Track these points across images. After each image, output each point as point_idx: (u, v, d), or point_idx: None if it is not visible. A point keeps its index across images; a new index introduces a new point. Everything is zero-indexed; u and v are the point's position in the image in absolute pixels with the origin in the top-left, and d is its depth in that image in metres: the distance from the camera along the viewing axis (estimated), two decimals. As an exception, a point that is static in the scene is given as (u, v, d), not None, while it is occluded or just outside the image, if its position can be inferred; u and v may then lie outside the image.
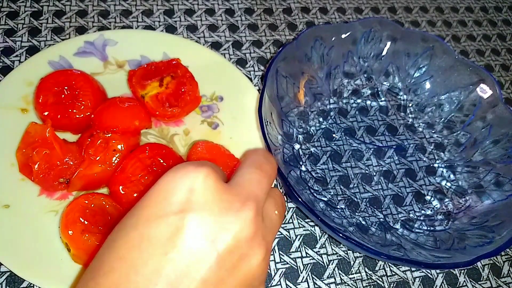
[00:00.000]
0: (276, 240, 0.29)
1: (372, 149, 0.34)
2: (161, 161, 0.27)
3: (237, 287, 0.15)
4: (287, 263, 0.28)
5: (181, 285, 0.13)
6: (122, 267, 0.14)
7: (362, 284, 0.28)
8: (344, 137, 0.34)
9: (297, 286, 0.27)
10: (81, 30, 0.36)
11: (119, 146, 0.27)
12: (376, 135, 0.35)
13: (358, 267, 0.28)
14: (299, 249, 0.28)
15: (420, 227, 0.30)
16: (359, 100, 0.36)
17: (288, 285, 0.27)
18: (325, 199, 0.30)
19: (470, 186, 0.32)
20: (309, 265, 0.28)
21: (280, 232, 0.29)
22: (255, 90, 0.33)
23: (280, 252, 0.28)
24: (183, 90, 0.30)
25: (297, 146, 0.32)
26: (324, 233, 0.30)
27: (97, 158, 0.26)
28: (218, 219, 0.15)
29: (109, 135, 0.27)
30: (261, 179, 0.18)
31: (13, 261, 0.23)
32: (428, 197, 0.32)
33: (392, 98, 0.37)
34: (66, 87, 0.28)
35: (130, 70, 0.31)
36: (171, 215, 0.14)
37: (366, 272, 0.28)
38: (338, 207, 0.30)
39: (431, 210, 0.31)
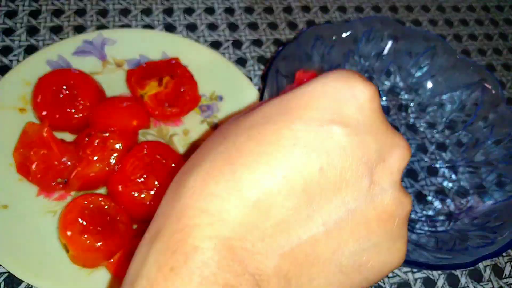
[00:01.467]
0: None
1: (373, 149, 0.34)
2: (160, 158, 0.26)
3: (378, 231, 0.13)
4: (287, 264, 0.28)
5: (321, 203, 0.12)
6: (268, 166, 0.12)
7: (363, 285, 0.28)
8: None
9: (297, 287, 0.27)
10: (79, 29, 0.36)
11: (117, 146, 0.26)
12: (377, 135, 0.35)
13: (359, 268, 0.28)
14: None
15: (422, 228, 0.30)
16: (360, 100, 0.36)
17: (288, 286, 0.27)
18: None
19: (472, 187, 0.32)
20: (310, 266, 0.28)
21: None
22: (255, 89, 0.33)
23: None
24: (182, 89, 0.30)
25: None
26: (325, 234, 0.29)
27: (95, 158, 0.26)
28: (380, 148, 0.13)
29: (107, 134, 0.27)
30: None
31: (11, 262, 0.23)
32: (429, 198, 0.32)
33: (393, 97, 0.37)
34: (64, 87, 0.28)
35: (129, 70, 0.31)
36: (335, 126, 0.12)
37: (367, 273, 0.28)
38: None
39: (432, 211, 0.31)
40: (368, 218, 0.13)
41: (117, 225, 0.24)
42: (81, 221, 0.24)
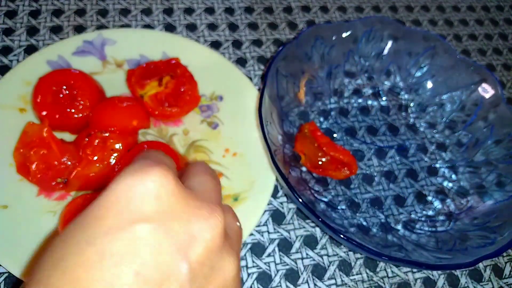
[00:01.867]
0: (277, 241, 0.28)
1: (373, 149, 0.34)
2: None
3: None
4: (288, 264, 0.28)
5: None
6: None
7: (363, 286, 0.28)
8: (345, 137, 0.34)
9: (298, 287, 0.27)
10: (79, 29, 0.36)
11: (117, 146, 0.26)
12: (377, 135, 0.35)
13: (359, 268, 0.28)
14: (299, 250, 0.28)
15: (422, 228, 0.30)
16: (360, 100, 0.36)
17: (289, 287, 0.27)
18: (326, 199, 0.30)
19: (471, 187, 0.32)
20: (310, 266, 0.28)
21: (280, 232, 0.29)
22: (255, 89, 0.33)
23: (281, 253, 0.28)
24: (182, 89, 0.30)
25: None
26: (325, 234, 0.29)
27: (95, 158, 0.26)
28: (188, 229, 0.13)
29: (107, 134, 0.27)
30: (215, 186, 0.17)
31: (12, 262, 0.23)
32: (429, 198, 0.32)
33: (393, 97, 0.37)
34: (64, 87, 0.28)
35: (129, 70, 0.31)
36: (134, 225, 0.12)
37: (367, 273, 0.28)
38: (339, 207, 0.30)
39: (432, 211, 0.31)
40: None
41: None
42: None
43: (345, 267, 0.28)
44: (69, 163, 0.25)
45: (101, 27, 0.36)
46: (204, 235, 0.13)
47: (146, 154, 0.16)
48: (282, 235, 0.29)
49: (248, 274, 0.27)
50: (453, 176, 0.33)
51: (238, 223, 0.17)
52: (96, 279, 0.11)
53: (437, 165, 0.34)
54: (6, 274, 0.25)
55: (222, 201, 0.18)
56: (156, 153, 0.16)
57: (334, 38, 0.34)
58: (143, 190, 0.13)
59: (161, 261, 0.12)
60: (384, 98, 0.37)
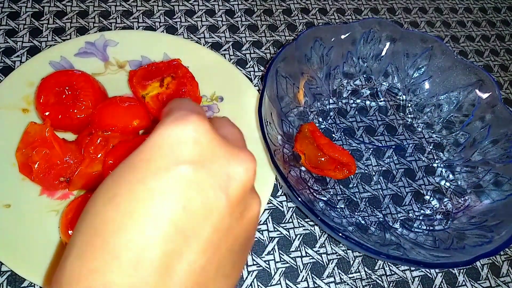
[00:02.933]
0: (276, 239, 0.29)
1: (371, 149, 0.34)
2: None
3: (242, 235, 0.15)
4: (287, 263, 0.28)
5: (194, 236, 0.13)
6: (134, 223, 0.12)
7: (361, 284, 0.28)
8: (343, 137, 0.34)
9: (297, 285, 0.27)
10: (82, 31, 0.36)
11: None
12: (375, 135, 0.35)
13: (358, 267, 0.29)
14: (298, 249, 0.29)
15: (419, 226, 0.30)
16: (358, 100, 0.37)
17: (288, 285, 0.27)
18: (325, 198, 0.30)
19: (469, 186, 0.32)
20: (309, 264, 0.28)
21: (280, 231, 0.29)
22: (255, 90, 0.33)
23: (280, 251, 0.28)
24: (183, 90, 0.30)
25: (296, 146, 0.32)
26: (324, 233, 0.30)
27: (98, 156, 0.26)
28: (226, 169, 0.14)
29: (109, 133, 0.27)
30: (242, 136, 0.18)
31: (14, 261, 0.24)
32: (427, 197, 0.32)
33: (391, 98, 0.37)
34: (67, 88, 0.29)
35: (130, 71, 0.32)
36: (182, 166, 0.13)
37: (365, 271, 0.28)
38: (337, 206, 0.30)
39: (430, 210, 0.32)
40: (235, 230, 0.15)
41: None
42: None
43: (343, 265, 0.28)
44: (71, 162, 0.26)
45: (103, 28, 0.37)
46: (240, 176, 0.15)
47: (179, 103, 0.17)
48: (281, 233, 0.29)
49: (248, 272, 0.27)
50: (451, 176, 0.34)
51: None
52: (149, 213, 0.12)
53: (435, 165, 0.34)
54: (8, 273, 0.25)
55: None
56: (187, 102, 0.17)
57: (333, 39, 0.34)
58: (185, 135, 0.14)
59: (204, 197, 0.13)
60: (382, 99, 0.37)
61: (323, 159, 0.30)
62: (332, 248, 0.29)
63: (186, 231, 0.13)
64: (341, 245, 0.29)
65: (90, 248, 0.12)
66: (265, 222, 0.29)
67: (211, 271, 0.14)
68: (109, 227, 0.13)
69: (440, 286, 0.29)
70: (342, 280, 0.28)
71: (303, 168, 0.31)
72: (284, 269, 0.28)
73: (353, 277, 0.28)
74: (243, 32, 0.39)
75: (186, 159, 0.14)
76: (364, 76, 0.38)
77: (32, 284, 0.25)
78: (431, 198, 0.32)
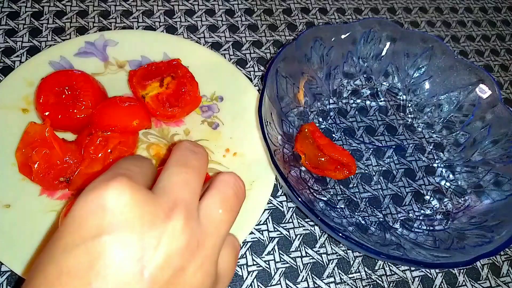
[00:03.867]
0: (276, 239, 0.29)
1: (371, 149, 0.34)
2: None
3: None
4: (287, 263, 0.28)
5: None
6: None
7: (361, 284, 0.28)
8: (343, 137, 0.34)
9: (297, 285, 0.27)
10: (81, 31, 0.36)
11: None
12: (375, 135, 0.35)
13: (358, 267, 0.29)
14: (299, 249, 0.29)
15: (420, 226, 0.30)
16: (358, 100, 0.37)
17: (288, 285, 0.27)
18: (325, 198, 0.30)
19: (469, 186, 0.32)
20: (309, 264, 0.28)
21: (280, 231, 0.29)
22: (255, 90, 0.33)
23: (280, 251, 0.28)
24: (183, 90, 0.30)
25: (297, 146, 0.32)
26: (324, 233, 0.30)
27: (99, 155, 0.26)
28: (142, 236, 0.13)
29: (108, 133, 0.27)
30: (188, 178, 0.15)
31: (14, 261, 0.24)
32: (427, 197, 0.32)
33: (392, 98, 0.37)
34: (66, 87, 0.28)
35: (130, 70, 0.32)
36: (88, 241, 0.13)
37: (365, 271, 0.28)
38: (337, 206, 0.30)
39: (430, 210, 0.32)
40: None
41: None
42: None
43: (344, 265, 0.28)
44: (71, 162, 0.26)
45: (103, 28, 0.37)
46: (160, 241, 0.13)
47: (114, 164, 0.16)
48: (281, 233, 0.29)
49: (248, 272, 0.27)
50: (451, 176, 0.34)
51: (220, 210, 0.16)
52: None
53: (435, 165, 0.34)
54: (8, 273, 0.25)
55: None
56: (126, 161, 0.16)
57: (333, 39, 0.34)
58: (98, 205, 0.13)
59: (117, 272, 0.12)
60: (382, 99, 0.37)
61: (323, 159, 0.30)
62: (332, 248, 0.29)
63: None
64: (341, 245, 0.29)
65: None
66: (265, 222, 0.29)
67: None
68: None
69: (440, 286, 0.29)
70: (342, 280, 0.28)
71: (303, 168, 0.31)
72: (284, 269, 0.28)
73: (353, 277, 0.28)
74: (243, 32, 0.39)
75: (97, 231, 0.13)
76: (364, 76, 0.38)
77: (32, 284, 0.25)
78: (431, 198, 0.32)
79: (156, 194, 0.15)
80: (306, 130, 0.30)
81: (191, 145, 0.17)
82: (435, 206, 0.32)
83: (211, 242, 0.15)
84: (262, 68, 0.37)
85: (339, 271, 0.28)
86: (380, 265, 0.29)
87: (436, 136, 0.36)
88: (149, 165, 0.17)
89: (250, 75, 0.37)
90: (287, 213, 0.30)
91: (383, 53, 0.36)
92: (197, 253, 0.14)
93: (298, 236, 0.29)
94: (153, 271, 0.13)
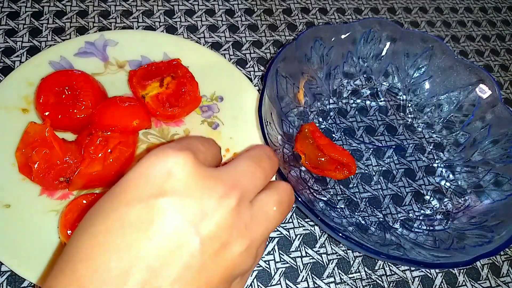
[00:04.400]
0: (276, 239, 0.29)
1: (371, 149, 0.34)
2: None
3: (219, 274, 0.15)
4: (287, 263, 0.28)
5: (163, 271, 0.13)
6: (102, 253, 0.13)
7: (361, 284, 0.28)
8: (343, 137, 0.34)
9: (297, 285, 0.27)
10: (81, 31, 0.36)
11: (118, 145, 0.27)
12: (375, 135, 0.35)
13: (358, 267, 0.29)
14: (299, 249, 0.29)
15: (420, 226, 0.30)
16: (358, 100, 0.37)
17: (288, 285, 0.27)
18: (325, 198, 0.30)
19: (469, 186, 0.32)
20: (309, 264, 0.28)
21: (280, 231, 0.29)
22: (255, 90, 0.33)
23: (280, 251, 0.28)
24: (183, 90, 0.30)
25: (297, 146, 0.32)
26: (324, 233, 0.30)
27: (99, 155, 0.26)
28: (200, 204, 0.14)
29: (108, 133, 0.27)
30: (255, 172, 0.17)
31: (14, 261, 0.24)
32: (427, 197, 0.32)
33: (392, 98, 0.37)
34: (67, 87, 0.28)
35: (130, 70, 0.32)
36: (151, 198, 0.14)
37: (365, 271, 0.28)
38: (337, 206, 0.30)
39: (430, 210, 0.32)
40: (208, 267, 0.14)
41: None
42: None
43: (344, 265, 0.28)
44: (71, 162, 0.26)
45: (103, 28, 0.37)
46: (214, 213, 0.14)
47: (185, 138, 0.17)
48: (281, 233, 0.29)
49: (248, 273, 0.27)
50: (451, 176, 0.34)
51: (274, 208, 0.17)
52: (118, 242, 0.13)
53: (435, 165, 0.34)
54: (8, 273, 0.25)
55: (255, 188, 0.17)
56: (196, 139, 0.17)
57: (333, 39, 0.34)
58: (163, 168, 0.14)
59: (173, 231, 0.14)
60: (382, 99, 0.37)
61: (323, 159, 0.30)
62: (332, 248, 0.29)
63: (154, 266, 0.13)
64: (341, 245, 0.29)
65: (60, 274, 0.13)
66: (265, 222, 0.29)
67: None
68: (79, 255, 0.13)
69: (440, 286, 0.29)
70: (342, 280, 0.28)
71: (303, 168, 0.31)
72: (284, 269, 0.28)
73: (353, 277, 0.28)
74: (243, 32, 0.39)
75: (160, 191, 0.14)
76: (364, 76, 0.38)
77: (32, 284, 0.25)
78: (431, 198, 0.32)
79: (219, 171, 0.16)
80: (306, 130, 0.30)
81: (270, 152, 0.19)
82: (435, 206, 0.32)
83: (259, 230, 0.16)
84: (262, 68, 0.37)
85: (339, 271, 0.28)
86: (380, 265, 0.29)
87: (436, 136, 0.36)
88: (215, 148, 0.18)
89: (250, 75, 0.37)
90: (287, 213, 0.30)
91: (383, 53, 0.36)
92: (244, 235, 0.15)
93: (298, 236, 0.29)
94: (204, 238, 0.14)
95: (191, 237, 0.14)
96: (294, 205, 0.31)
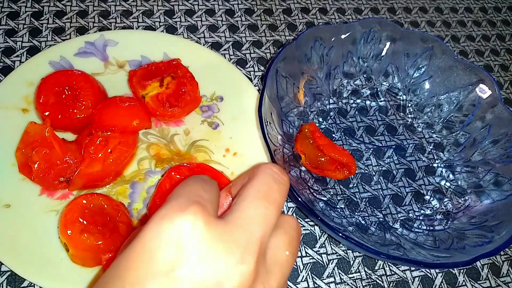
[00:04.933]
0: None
1: (371, 149, 0.34)
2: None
3: None
4: (287, 263, 0.28)
5: None
6: None
7: (361, 284, 0.28)
8: (343, 137, 0.34)
9: (297, 285, 0.27)
10: (81, 31, 0.36)
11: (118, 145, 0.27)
12: (375, 135, 0.35)
13: (358, 267, 0.29)
14: (299, 249, 0.29)
15: (420, 226, 0.30)
16: (358, 100, 0.37)
17: (288, 284, 0.27)
18: (325, 198, 0.30)
19: (469, 186, 0.32)
20: (309, 264, 0.28)
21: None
22: (255, 90, 0.33)
23: (280, 251, 0.28)
24: (183, 90, 0.30)
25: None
26: (324, 233, 0.30)
27: (99, 155, 0.26)
28: (214, 275, 0.13)
29: (108, 133, 0.27)
30: (267, 214, 0.15)
31: (14, 261, 0.24)
32: (427, 197, 0.32)
33: (392, 98, 0.37)
34: (66, 87, 0.29)
35: (130, 70, 0.32)
36: (161, 276, 0.12)
37: (365, 271, 0.28)
38: (337, 206, 0.30)
39: (430, 210, 0.32)
40: None
41: (117, 225, 0.25)
42: (81, 220, 0.24)
43: (344, 265, 0.28)
44: (71, 162, 0.26)
45: (103, 28, 0.37)
46: (230, 283, 0.13)
47: (184, 186, 0.15)
48: (281, 234, 0.29)
49: (248, 273, 0.27)
50: (451, 176, 0.34)
51: (287, 252, 0.15)
52: None
53: (435, 165, 0.34)
54: (8, 273, 0.25)
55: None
56: (196, 185, 0.15)
57: (333, 39, 0.34)
58: (171, 237, 0.13)
59: None
60: (382, 99, 0.37)
61: (323, 159, 0.30)
62: (332, 248, 0.29)
63: None
64: (341, 245, 0.29)
65: None
66: (265, 222, 0.29)
67: None
68: None
69: (440, 286, 0.29)
70: (342, 280, 0.28)
71: (303, 168, 0.31)
72: (284, 269, 0.28)
73: (353, 277, 0.28)
74: (243, 32, 0.39)
75: (165, 267, 0.13)
76: (364, 76, 0.38)
77: (32, 284, 0.25)
78: (431, 198, 0.32)
79: (230, 225, 0.14)
80: (306, 130, 0.30)
81: (277, 173, 0.16)
82: (435, 206, 0.32)
83: (276, 281, 0.15)
84: (262, 68, 0.37)
85: (339, 271, 0.28)
86: (380, 265, 0.29)
87: (436, 136, 0.36)
88: (216, 190, 0.16)
89: (250, 75, 0.37)
90: (287, 213, 0.30)
91: (383, 53, 0.36)
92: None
93: (298, 236, 0.29)
94: None
95: None
96: (294, 205, 0.31)
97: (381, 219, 0.30)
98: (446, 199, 0.32)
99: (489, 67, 0.43)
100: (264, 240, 0.14)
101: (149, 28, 0.38)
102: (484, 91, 0.33)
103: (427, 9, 0.47)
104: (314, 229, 0.30)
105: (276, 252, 0.15)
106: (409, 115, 0.37)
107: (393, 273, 0.29)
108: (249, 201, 0.15)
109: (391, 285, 0.28)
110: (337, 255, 0.29)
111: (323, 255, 0.29)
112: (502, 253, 0.31)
